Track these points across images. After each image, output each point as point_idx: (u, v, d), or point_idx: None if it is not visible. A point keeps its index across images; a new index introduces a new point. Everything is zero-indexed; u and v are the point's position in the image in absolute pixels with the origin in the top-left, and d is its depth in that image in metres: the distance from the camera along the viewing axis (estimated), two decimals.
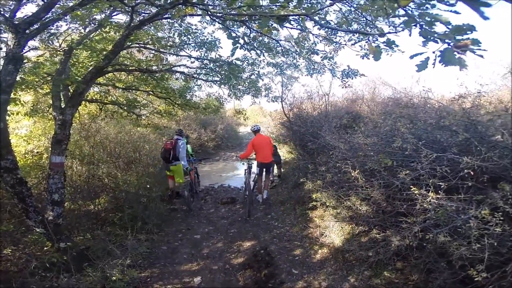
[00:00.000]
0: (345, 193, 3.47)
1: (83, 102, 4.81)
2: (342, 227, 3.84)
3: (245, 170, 6.22)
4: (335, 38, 3.90)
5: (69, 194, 4.65)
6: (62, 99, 3.28)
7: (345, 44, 3.90)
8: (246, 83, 5.10)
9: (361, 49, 3.76)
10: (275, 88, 6.74)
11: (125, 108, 4.48)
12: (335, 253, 3.64)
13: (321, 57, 4.14)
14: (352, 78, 3.91)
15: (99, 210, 4.58)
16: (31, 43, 3.17)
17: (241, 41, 2.63)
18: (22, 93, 4.41)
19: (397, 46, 2.83)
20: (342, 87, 4.07)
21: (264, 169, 5.44)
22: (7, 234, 2.91)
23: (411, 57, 1.16)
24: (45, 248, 3.20)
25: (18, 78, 3.34)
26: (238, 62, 3.29)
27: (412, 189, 2.28)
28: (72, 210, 4.56)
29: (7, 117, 3.69)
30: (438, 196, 2.15)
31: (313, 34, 3.96)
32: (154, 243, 4.00)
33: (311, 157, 5.38)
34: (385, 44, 2.02)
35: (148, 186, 5.17)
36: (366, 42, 3.59)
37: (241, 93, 5.46)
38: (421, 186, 2.29)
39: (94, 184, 4.96)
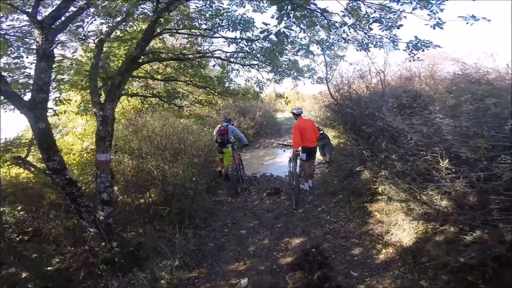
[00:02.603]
0: (420, 186, 2.82)
1: (126, 97, 4.88)
2: (413, 224, 3.20)
3: (290, 158, 5.82)
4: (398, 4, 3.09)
5: (122, 189, 4.89)
6: (102, 94, 3.26)
7: (411, 12, 3.02)
8: (287, 64, 4.57)
9: (430, 18, 2.87)
10: (317, 68, 5.99)
11: (165, 100, 4.38)
12: (403, 254, 3.07)
13: (380, 27, 3.36)
14: (423, 50, 3.07)
15: (149, 203, 4.71)
16: (62, 38, 3.18)
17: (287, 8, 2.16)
18: (72, 93, 4.66)
19: None
20: (409, 61, 3.25)
21: (310, 155, 4.97)
22: (67, 233, 3.04)
23: None
24: (101, 245, 3.33)
25: (65, 77, 3.42)
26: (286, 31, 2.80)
27: None
28: (126, 204, 4.79)
29: (56, 117, 3.89)
30: None
31: (365, 4, 3.21)
32: (202, 239, 3.91)
33: (366, 142, 4.68)
34: None
35: (194, 178, 5.15)
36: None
37: (282, 75, 4.94)
38: None
39: (144, 178, 5.13)
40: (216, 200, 5.35)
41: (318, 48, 4.53)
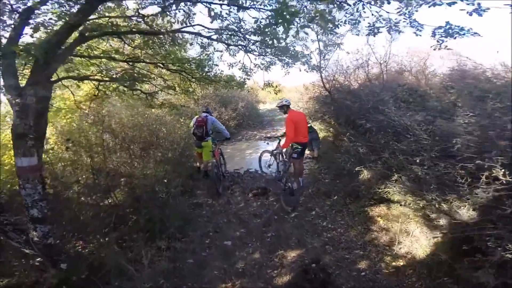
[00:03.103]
0: (443, 196, 2.40)
1: (76, 82, 3.93)
2: (428, 234, 2.82)
3: (273, 151, 5.26)
4: None
5: (79, 193, 3.99)
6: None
7: None
8: (280, 47, 3.91)
9: (469, 3, 2.38)
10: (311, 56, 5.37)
11: (127, 85, 3.50)
12: (418, 267, 2.68)
13: (397, 11, 2.84)
14: (455, 38, 2.61)
15: (114, 206, 3.90)
16: None
17: None
18: None
19: None
20: (435, 49, 2.78)
21: (302, 151, 4.45)
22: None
23: None
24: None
25: None
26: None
27: None
28: (84, 208, 3.93)
29: None
30: None
31: None
32: (178, 254, 3.24)
33: (363, 138, 4.25)
34: None
35: (166, 179, 4.39)
36: None
37: (272, 60, 4.29)
38: None
39: (107, 177, 4.27)
40: (194, 203, 4.66)
41: (315, 29, 3.93)
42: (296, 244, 3.36)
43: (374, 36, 3.20)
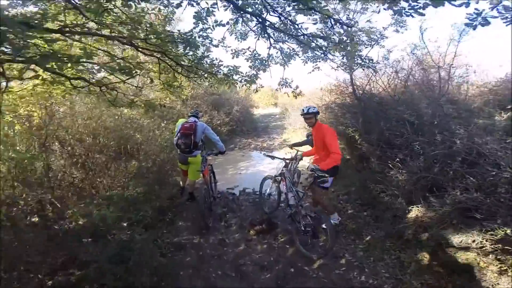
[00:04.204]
0: None
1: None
2: None
3: (278, 175, 3.85)
4: None
5: None
6: None
7: None
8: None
9: None
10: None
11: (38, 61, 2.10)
12: None
13: None
14: None
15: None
16: None
17: None
18: None
19: None
20: None
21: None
22: None
23: None
24: None
25: None
26: None
27: None
28: None
29: None
30: None
31: None
32: None
33: (418, 167, 3.09)
34: None
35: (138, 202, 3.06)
36: None
37: (307, 48, 3.05)
38: None
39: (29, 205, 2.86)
40: (174, 243, 3.33)
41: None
42: None
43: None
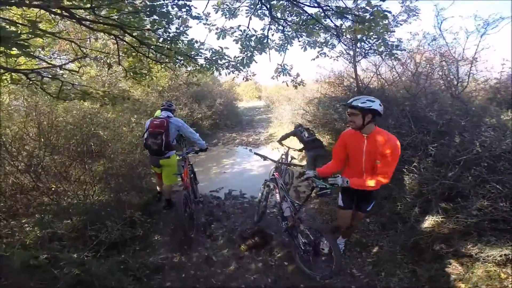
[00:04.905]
0: None
1: None
2: None
3: (268, 180, 3.19)
4: None
5: None
6: None
7: None
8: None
9: None
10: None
11: None
12: None
13: None
14: None
15: None
16: None
17: None
18: None
19: None
20: None
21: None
22: None
23: None
24: None
25: None
26: None
27: None
28: None
29: None
30: None
31: None
32: None
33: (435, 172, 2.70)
34: None
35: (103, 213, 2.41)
36: None
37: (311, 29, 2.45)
38: None
39: None
40: (150, 264, 2.73)
41: None
42: None
43: None
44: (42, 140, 2.98)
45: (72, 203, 2.96)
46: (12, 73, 1.91)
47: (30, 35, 1.36)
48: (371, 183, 2.07)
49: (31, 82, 2.06)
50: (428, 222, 2.62)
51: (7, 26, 1.47)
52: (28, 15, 2.48)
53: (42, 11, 2.22)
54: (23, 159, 2.89)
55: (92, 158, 3.68)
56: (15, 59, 2.00)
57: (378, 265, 2.67)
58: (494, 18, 2.90)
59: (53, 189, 3.13)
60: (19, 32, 1.38)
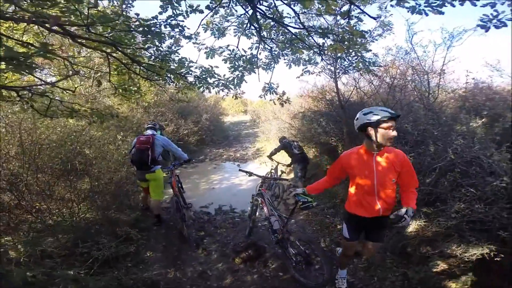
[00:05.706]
0: None
1: None
2: None
3: (256, 195, 3.21)
4: None
5: None
6: None
7: None
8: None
9: None
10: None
11: None
12: None
13: None
14: None
15: None
16: None
17: None
18: None
19: None
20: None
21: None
22: None
23: None
24: None
25: None
26: None
27: None
28: None
29: None
30: None
31: None
32: None
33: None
34: None
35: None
36: None
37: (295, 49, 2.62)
38: None
39: None
40: (145, 280, 2.63)
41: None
42: None
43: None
44: (25, 159, 2.87)
45: (57, 220, 2.85)
46: (2, 90, 1.89)
47: (39, 56, 1.38)
48: (411, 203, 1.82)
49: (20, 99, 2.05)
50: (413, 226, 2.77)
51: (16, 46, 1.49)
52: (15, 28, 2.49)
53: (31, 24, 2.24)
54: (5, 177, 2.77)
55: (77, 176, 3.57)
56: (5, 75, 1.99)
57: (370, 271, 2.75)
58: (458, 31, 3.25)
59: (36, 207, 3.00)
60: (28, 52, 1.41)
